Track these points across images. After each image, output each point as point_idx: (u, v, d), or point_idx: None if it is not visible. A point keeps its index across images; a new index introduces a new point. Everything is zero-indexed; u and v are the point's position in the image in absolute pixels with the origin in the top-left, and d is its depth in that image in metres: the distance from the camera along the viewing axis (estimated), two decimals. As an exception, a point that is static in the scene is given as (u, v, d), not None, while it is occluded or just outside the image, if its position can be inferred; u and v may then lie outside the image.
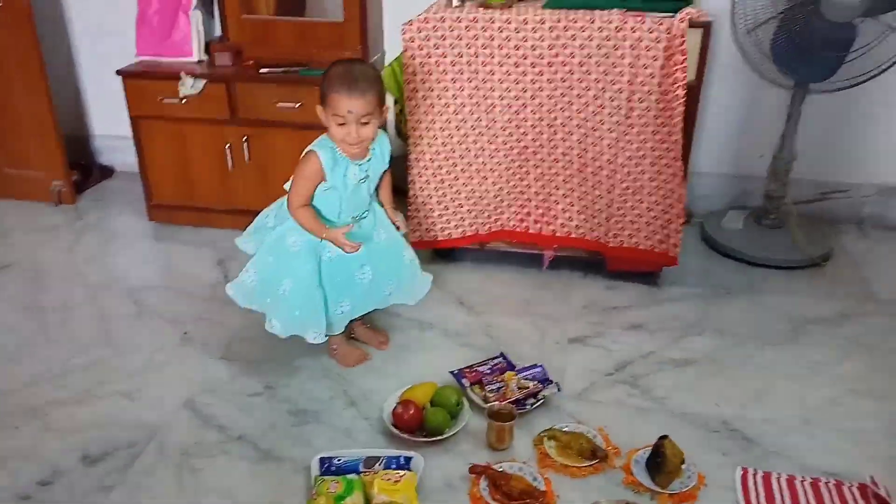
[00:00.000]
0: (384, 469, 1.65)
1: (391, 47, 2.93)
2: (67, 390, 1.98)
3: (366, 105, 1.77)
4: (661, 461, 1.67)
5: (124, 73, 2.71)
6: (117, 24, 3.01)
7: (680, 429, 1.83)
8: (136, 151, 2.81)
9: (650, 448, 1.71)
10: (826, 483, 1.69)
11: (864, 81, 2.41)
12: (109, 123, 3.31)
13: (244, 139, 2.69)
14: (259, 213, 2.09)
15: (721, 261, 2.66)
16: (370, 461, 1.68)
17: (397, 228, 2.06)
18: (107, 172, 3.36)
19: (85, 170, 3.25)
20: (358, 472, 1.65)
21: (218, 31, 2.92)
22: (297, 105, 2.59)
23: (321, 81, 1.82)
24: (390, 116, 2.71)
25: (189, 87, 2.60)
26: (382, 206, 2.06)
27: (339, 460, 1.69)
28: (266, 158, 2.72)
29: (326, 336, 1.96)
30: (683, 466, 1.69)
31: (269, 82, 2.62)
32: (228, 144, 2.71)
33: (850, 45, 2.33)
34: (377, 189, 2.03)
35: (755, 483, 1.69)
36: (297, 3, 2.93)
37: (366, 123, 1.79)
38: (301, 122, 2.57)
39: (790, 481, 1.69)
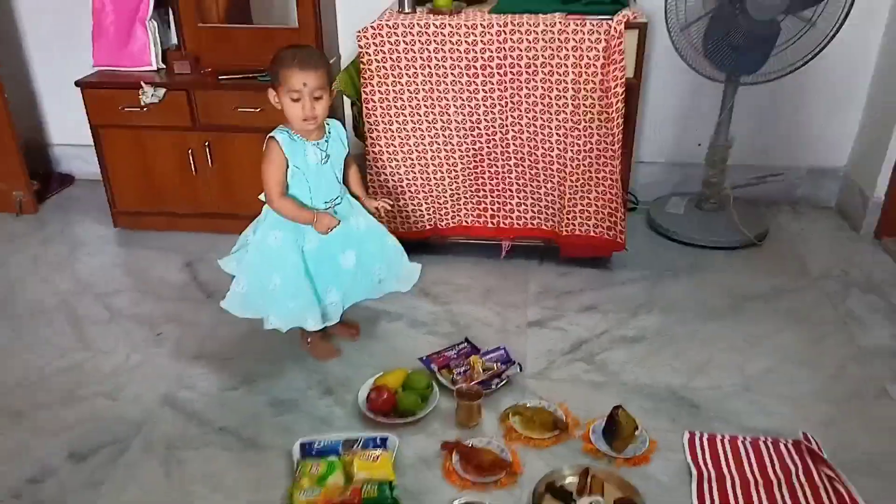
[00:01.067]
0: (362, 449, 1.77)
1: (345, 51, 3.03)
2: (49, 393, 2.04)
3: (318, 78, 1.86)
4: (616, 429, 1.82)
5: (83, 84, 2.75)
6: (70, 35, 3.06)
7: (633, 399, 1.98)
8: (97, 160, 2.85)
9: (608, 416, 1.87)
10: (765, 441, 1.86)
11: (790, 73, 2.60)
12: (67, 132, 3.34)
13: (206, 144, 2.76)
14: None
15: (666, 244, 2.84)
16: (348, 443, 1.79)
17: (377, 215, 2.11)
18: (66, 181, 3.38)
19: (44, 179, 3.27)
20: (338, 454, 1.76)
21: (173, 40, 2.98)
22: (258, 110, 2.67)
23: (271, 65, 1.89)
24: (349, 118, 2.81)
25: (150, 95, 2.66)
26: (357, 198, 2.12)
27: (319, 444, 1.79)
28: (229, 162, 2.80)
29: (324, 326, 2.04)
30: (637, 433, 1.85)
31: (229, 89, 2.70)
32: (191, 150, 2.78)
33: (775, 39, 2.52)
34: (346, 179, 2.09)
35: (701, 445, 1.85)
36: (243, 11, 2.99)
37: (318, 98, 1.87)
38: (262, 125, 2.63)
39: (733, 441, 1.86)
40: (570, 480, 1.73)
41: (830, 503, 1.67)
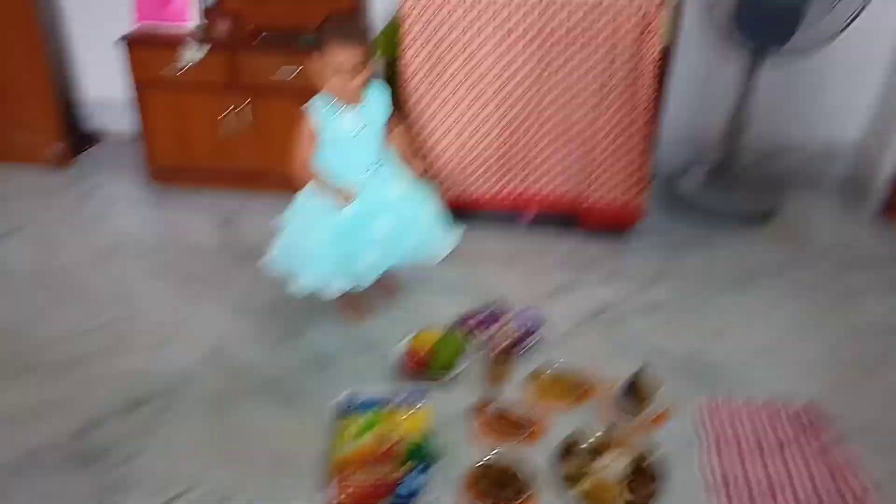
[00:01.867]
0: (400, 405, 1.89)
1: (379, 14, 3.06)
2: (99, 344, 2.15)
3: (358, 56, 1.96)
4: (636, 391, 1.94)
5: (128, 40, 2.78)
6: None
7: (652, 363, 2.09)
8: (138, 116, 2.90)
9: (628, 379, 1.99)
10: (770, 406, 1.99)
11: (816, 48, 2.66)
12: (100, 89, 3.38)
13: (245, 103, 2.81)
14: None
15: (681, 216, 2.93)
16: (386, 399, 1.91)
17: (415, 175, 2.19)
18: (95, 137, 3.44)
19: (75, 135, 3.32)
20: (377, 409, 1.88)
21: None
22: (297, 70, 2.71)
23: (315, 38, 1.97)
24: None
25: (194, 51, 2.71)
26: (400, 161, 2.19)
27: (359, 399, 1.91)
28: (266, 122, 2.85)
29: (357, 288, 2.15)
30: (656, 394, 1.97)
31: (270, 50, 2.74)
32: (229, 108, 2.82)
33: (803, 16, 2.57)
34: (390, 141, 2.16)
35: (712, 409, 1.98)
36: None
37: (357, 72, 1.97)
38: (300, 86, 2.69)
39: (741, 407, 1.99)
40: (594, 438, 1.85)
41: (829, 465, 1.81)
